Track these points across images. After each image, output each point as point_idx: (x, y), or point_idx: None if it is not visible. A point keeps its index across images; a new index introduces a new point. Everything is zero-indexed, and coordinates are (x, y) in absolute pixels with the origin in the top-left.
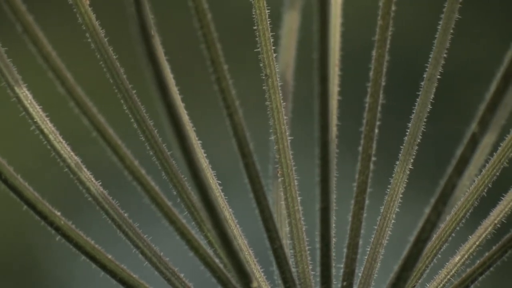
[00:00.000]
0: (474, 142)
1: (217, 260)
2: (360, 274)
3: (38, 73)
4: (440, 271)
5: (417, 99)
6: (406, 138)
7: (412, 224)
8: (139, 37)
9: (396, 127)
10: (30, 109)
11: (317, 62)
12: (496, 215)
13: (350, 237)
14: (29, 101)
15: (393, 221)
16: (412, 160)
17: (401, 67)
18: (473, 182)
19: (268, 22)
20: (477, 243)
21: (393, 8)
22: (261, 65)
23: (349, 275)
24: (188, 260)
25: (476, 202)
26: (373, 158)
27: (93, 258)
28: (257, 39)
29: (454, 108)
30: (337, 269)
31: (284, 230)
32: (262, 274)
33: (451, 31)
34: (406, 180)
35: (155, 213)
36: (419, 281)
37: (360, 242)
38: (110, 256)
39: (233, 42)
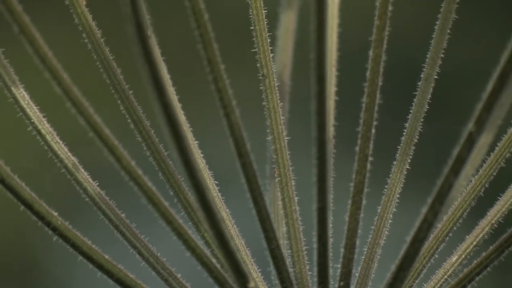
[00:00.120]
0: (470, 142)
1: (214, 260)
2: (357, 274)
3: (35, 74)
4: (437, 271)
5: (414, 99)
6: (403, 138)
7: (410, 224)
8: (135, 38)
9: (393, 127)
10: (27, 110)
11: (314, 62)
12: (493, 215)
13: (347, 237)
14: (26, 102)
15: (390, 221)
16: (409, 160)
17: (398, 67)
18: (470, 182)
19: (265, 22)
20: (474, 243)
21: (390, 8)
22: (258, 65)
23: (346, 275)
24: (185, 260)
25: (473, 202)
26: (370, 158)
27: (90, 259)
28: (254, 39)
29: (451, 108)
30: (334, 269)
31: (281, 230)
32: (259, 274)
33: (449, 31)
34: (403, 180)
35: (152, 213)
36: (416, 281)
37: (357, 242)
38: (107, 257)
39: (233, 42)
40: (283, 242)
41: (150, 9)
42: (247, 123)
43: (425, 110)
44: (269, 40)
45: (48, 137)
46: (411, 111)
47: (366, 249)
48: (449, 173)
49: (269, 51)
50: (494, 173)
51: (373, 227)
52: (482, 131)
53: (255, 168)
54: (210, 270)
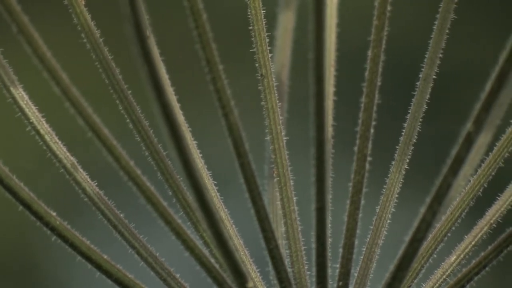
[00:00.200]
0: (469, 142)
1: (212, 260)
2: (356, 274)
3: (34, 74)
4: (436, 271)
5: (413, 99)
6: (401, 138)
7: (408, 224)
8: (134, 38)
9: (392, 127)
10: (26, 110)
11: (312, 62)
12: (491, 215)
13: (345, 237)
14: (25, 102)
15: (389, 221)
16: (407, 160)
17: (397, 67)
18: (468, 182)
19: (264, 22)
20: (472, 243)
21: (389, 8)
22: (257, 65)
23: (344, 275)
24: (184, 260)
25: (471, 202)
26: (369, 158)
27: (88, 259)
28: (253, 39)
29: (449, 108)
30: (333, 269)
31: (279, 230)
32: (258, 274)
33: (447, 31)
34: (401, 180)
35: (150, 213)
36: (415, 281)
37: (356, 242)
38: (106, 256)
39: (232, 42)
40: (281, 242)
41: (149, 9)
42: (245, 123)
43: (423, 110)
44: (267, 40)
45: (47, 137)
46: (409, 111)
47: (364, 249)
48: (448, 173)
49: (268, 51)
50: (493, 173)
51: (371, 227)
52: (481, 131)
53: (253, 168)
54: (209, 270)
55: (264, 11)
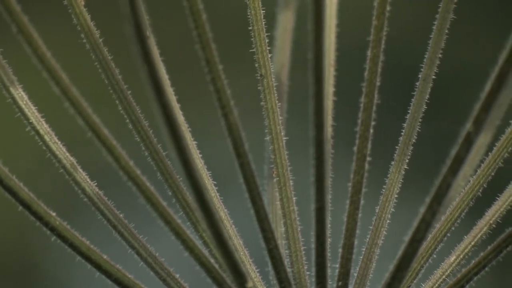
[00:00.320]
0: (469, 142)
1: (212, 260)
2: (355, 274)
3: (33, 74)
4: (435, 271)
5: (412, 99)
6: (401, 138)
7: (408, 224)
8: (134, 38)
9: (392, 127)
10: (26, 110)
11: (311, 62)
12: (491, 215)
13: (345, 237)
14: (24, 102)
15: (388, 221)
16: (407, 160)
17: (396, 67)
18: (468, 182)
19: (263, 23)
20: (472, 243)
21: (388, 8)
22: (256, 65)
23: (344, 275)
24: (183, 260)
25: (471, 202)
26: (368, 158)
27: (88, 259)
28: (252, 39)
29: (449, 108)
30: (333, 269)
31: (279, 230)
32: (258, 274)
33: (447, 31)
34: (401, 180)
35: (150, 213)
36: (414, 281)
37: (356, 242)
38: (105, 257)
39: (232, 42)
40: (281, 242)
41: (149, 9)
42: (245, 123)
43: (423, 110)
44: (267, 40)
45: (47, 137)
46: (409, 111)
47: (364, 249)
48: (447, 173)
49: (267, 51)
50: (492, 173)
51: (371, 227)
52: (480, 131)
53: (253, 168)
54: (209, 270)
55: (264, 11)
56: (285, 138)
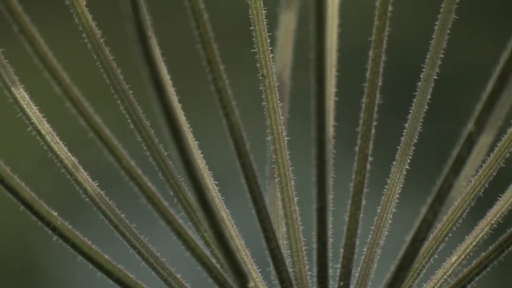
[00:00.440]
0: (470, 142)
1: (214, 260)
2: (357, 274)
3: (35, 74)
4: (437, 271)
5: (414, 99)
6: (403, 138)
7: (409, 224)
8: (135, 38)
9: (393, 127)
10: (27, 110)
11: (313, 62)
12: (492, 215)
13: (347, 237)
14: (26, 102)
15: (390, 221)
16: (409, 160)
17: (398, 67)
18: (469, 182)
19: (265, 23)
20: (474, 243)
21: (390, 8)
22: (258, 65)
23: (346, 275)
24: (185, 260)
25: (472, 202)
26: (370, 158)
27: (90, 258)
28: (254, 39)
29: (451, 108)
30: (334, 269)
31: (281, 231)
32: (259, 274)
33: (449, 31)
34: (403, 180)
35: (152, 213)
36: (416, 281)
37: (357, 242)
38: (107, 257)
39: (233, 42)
40: (282, 242)
41: (150, 9)
42: (247, 123)
43: (424, 110)
44: (268, 40)
45: (48, 138)
46: (411, 111)
47: (365, 249)
48: (449, 173)
49: (269, 51)
50: (494, 174)
51: (372, 227)
52: (482, 131)
53: (254, 168)
54: (210, 270)
55: (265, 11)
56: (286, 138)
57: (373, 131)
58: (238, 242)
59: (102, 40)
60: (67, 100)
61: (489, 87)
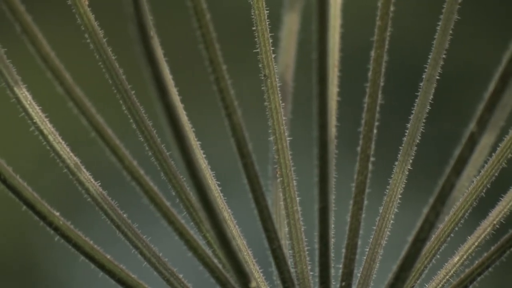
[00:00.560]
0: (472, 142)
1: (215, 260)
2: (359, 275)
3: (37, 73)
4: (439, 272)
5: (416, 100)
6: (405, 138)
7: (411, 224)
8: (137, 38)
9: (395, 128)
10: (30, 110)
11: (315, 62)
12: (495, 215)
13: (348, 238)
14: (28, 102)
15: (392, 221)
16: (411, 161)
17: (400, 67)
18: (471, 182)
19: (267, 23)
20: (476, 243)
21: (392, 8)
22: (260, 65)
23: (347, 276)
24: (187, 260)
25: (475, 203)
26: (372, 159)
27: (92, 258)
28: (256, 39)
29: (453, 108)
30: (336, 270)
31: (283, 231)
32: (261, 274)
33: (451, 31)
34: (405, 181)
35: (154, 213)
36: (418, 282)
37: (359, 243)
38: (109, 256)
39: (235, 42)
40: (284, 242)
41: (152, 9)
42: (249, 123)
43: (427, 110)
44: (271, 41)
45: (50, 137)
46: (413, 112)
47: (367, 250)
48: (451, 173)
49: (271, 51)
50: (496, 174)
51: (374, 228)
52: (484, 132)
53: (257, 168)
54: (212, 270)
55: (267, 11)
56: (289, 138)
57: (375, 131)
58: (240, 242)
59: (104, 40)
60: (69, 100)
61: (491, 87)
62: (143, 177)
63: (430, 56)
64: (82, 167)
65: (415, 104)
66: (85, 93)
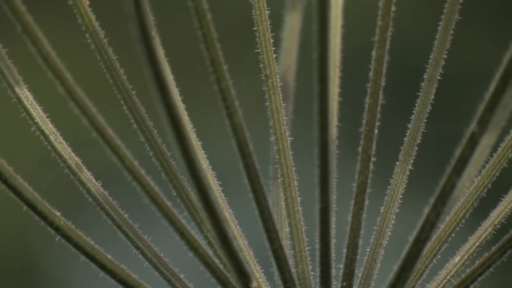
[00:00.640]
0: (473, 142)
1: (216, 261)
2: (360, 275)
3: (38, 73)
4: (440, 272)
5: (417, 100)
6: (406, 138)
7: (412, 224)
8: (139, 38)
9: (396, 128)
10: (31, 110)
11: (316, 62)
12: (495, 216)
13: (349, 238)
14: (30, 102)
15: (393, 221)
16: (412, 161)
17: (401, 67)
18: (472, 182)
19: (269, 23)
20: (477, 243)
21: (393, 8)
22: (261, 66)
23: (348, 276)
24: (188, 260)
25: (475, 203)
26: (373, 159)
27: (93, 258)
28: (257, 40)
29: (454, 108)
30: (337, 270)
31: (284, 231)
32: (262, 274)
33: (452, 31)
34: (406, 181)
35: (155, 213)
36: (419, 282)
37: (360, 243)
38: (110, 257)
39: (236, 42)
40: (285, 243)
41: (154, 9)
42: (250, 123)
43: (428, 110)
44: (272, 41)
45: (52, 137)
46: (414, 112)
47: (368, 250)
48: (452, 173)
49: (272, 51)
50: (497, 174)
51: (375, 228)
52: (485, 132)
53: (258, 168)
54: (213, 270)
55: (268, 12)
56: (290, 138)
57: (376, 131)
58: (241, 242)
59: (105, 40)
60: (70, 100)
61: (492, 87)
62: (144, 177)
63: (431, 56)
64: (83, 167)
65: (416, 104)
66: (86, 93)
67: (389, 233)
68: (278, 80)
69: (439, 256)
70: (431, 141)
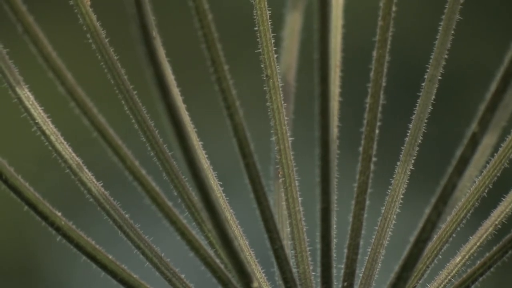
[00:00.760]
0: (474, 142)
1: (217, 261)
2: (361, 275)
3: (38, 73)
4: (441, 272)
5: (418, 100)
6: (407, 138)
7: (413, 224)
8: (140, 38)
9: (397, 128)
10: (32, 110)
11: (317, 62)
12: (496, 216)
13: (350, 238)
14: (30, 102)
15: (394, 221)
16: (413, 161)
17: (402, 67)
18: (473, 182)
19: (269, 23)
20: (478, 243)
21: (394, 8)
22: (262, 66)
23: (349, 276)
24: (189, 260)
25: (476, 203)
26: (374, 159)
27: (93, 259)
28: (258, 40)
29: (455, 108)
30: (338, 270)
31: (285, 231)
32: (263, 274)
33: (453, 31)
34: (407, 181)
35: (156, 213)
36: (420, 282)
37: (361, 243)
38: (111, 257)
39: (237, 42)
40: (286, 243)
41: (155, 9)
42: (251, 123)
43: (429, 110)
44: (273, 41)
45: (53, 138)
46: (415, 112)
47: (369, 250)
48: (453, 173)
49: (273, 51)
50: (498, 174)
51: (376, 228)
52: (486, 132)
53: (258, 168)
54: (214, 270)
55: (270, 12)
56: (291, 138)
57: (377, 131)
58: (242, 242)
59: (107, 40)
60: (71, 100)
61: (493, 87)
62: (145, 177)
63: (432, 56)
64: (84, 167)
65: (417, 104)
66: (87, 93)
67: (390, 233)
68: (279, 80)
69: (440, 256)
70: (432, 141)
